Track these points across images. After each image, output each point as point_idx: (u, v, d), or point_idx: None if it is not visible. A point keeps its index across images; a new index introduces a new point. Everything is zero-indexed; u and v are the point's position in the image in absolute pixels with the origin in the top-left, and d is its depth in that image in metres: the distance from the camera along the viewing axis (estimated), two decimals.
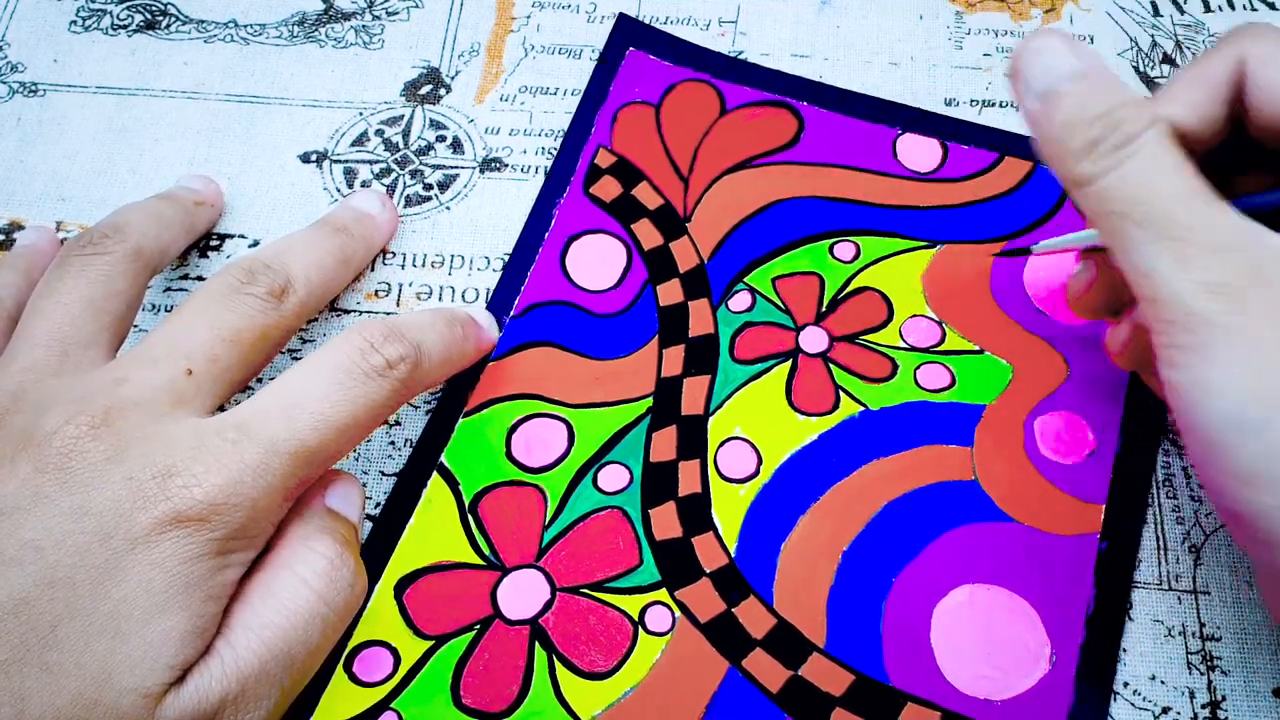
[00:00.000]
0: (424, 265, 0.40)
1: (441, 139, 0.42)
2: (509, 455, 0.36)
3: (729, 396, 0.37)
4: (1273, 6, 0.44)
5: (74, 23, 0.45)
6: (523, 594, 0.34)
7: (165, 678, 0.27)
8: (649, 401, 0.37)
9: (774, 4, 0.45)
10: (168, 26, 0.45)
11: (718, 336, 0.38)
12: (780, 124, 0.42)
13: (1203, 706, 0.32)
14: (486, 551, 0.34)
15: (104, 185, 0.42)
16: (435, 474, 0.36)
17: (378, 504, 0.35)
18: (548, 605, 0.34)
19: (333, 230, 0.36)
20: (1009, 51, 0.43)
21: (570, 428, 0.36)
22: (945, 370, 0.37)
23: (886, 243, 0.40)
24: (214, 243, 0.40)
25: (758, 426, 0.36)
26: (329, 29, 0.45)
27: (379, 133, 0.42)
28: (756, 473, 0.36)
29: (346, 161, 0.42)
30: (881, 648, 0.33)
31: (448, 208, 0.41)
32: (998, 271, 0.39)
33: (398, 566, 0.34)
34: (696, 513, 0.35)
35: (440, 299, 0.39)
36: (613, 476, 0.36)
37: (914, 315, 0.38)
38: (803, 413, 0.37)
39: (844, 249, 0.39)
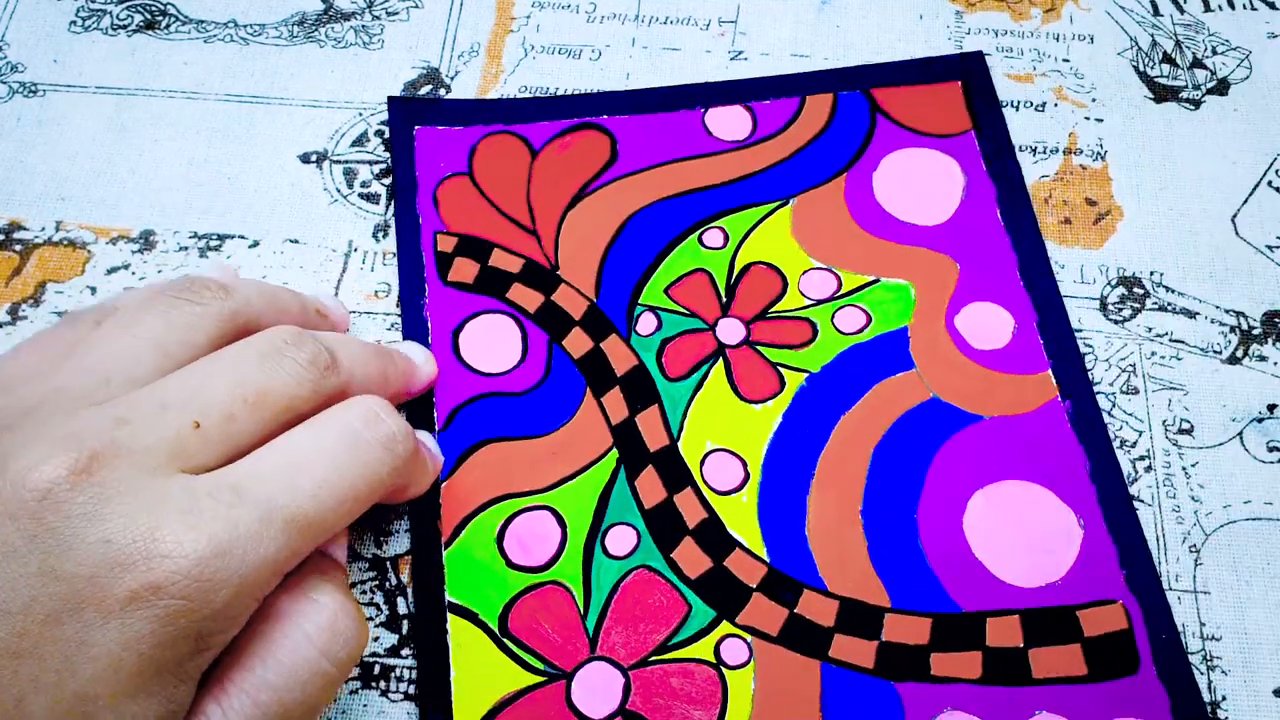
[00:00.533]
0: None
1: None
2: (510, 564, 0.34)
3: (684, 416, 0.36)
4: (1273, 5, 0.45)
5: (74, 23, 0.45)
6: (597, 689, 0.32)
7: None
8: (615, 454, 0.36)
9: (774, 4, 0.45)
10: (167, 26, 0.45)
11: (644, 365, 0.37)
12: (593, 145, 0.41)
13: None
14: (540, 665, 0.33)
15: (104, 185, 0.41)
16: (450, 615, 0.33)
17: (410, 680, 0.33)
18: (627, 689, 0.32)
19: (379, 350, 0.34)
20: (1009, 51, 0.44)
21: (555, 512, 0.35)
22: (858, 310, 0.38)
23: (746, 215, 0.40)
24: (214, 243, 0.40)
25: (725, 432, 0.36)
26: (329, 29, 0.45)
27: (379, 133, 0.42)
28: (747, 476, 0.35)
29: (346, 162, 0.42)
30: (940, 582, 0.34)
31: None
32: (852, 202, 0.40)
33: None
34: (715, 537, 0.35)
35: None
36: (619, 539, 0.35)
37: (805, 271, 0.39)
38: (756, 402, 0.37)
39: (712, 236, 0.40)
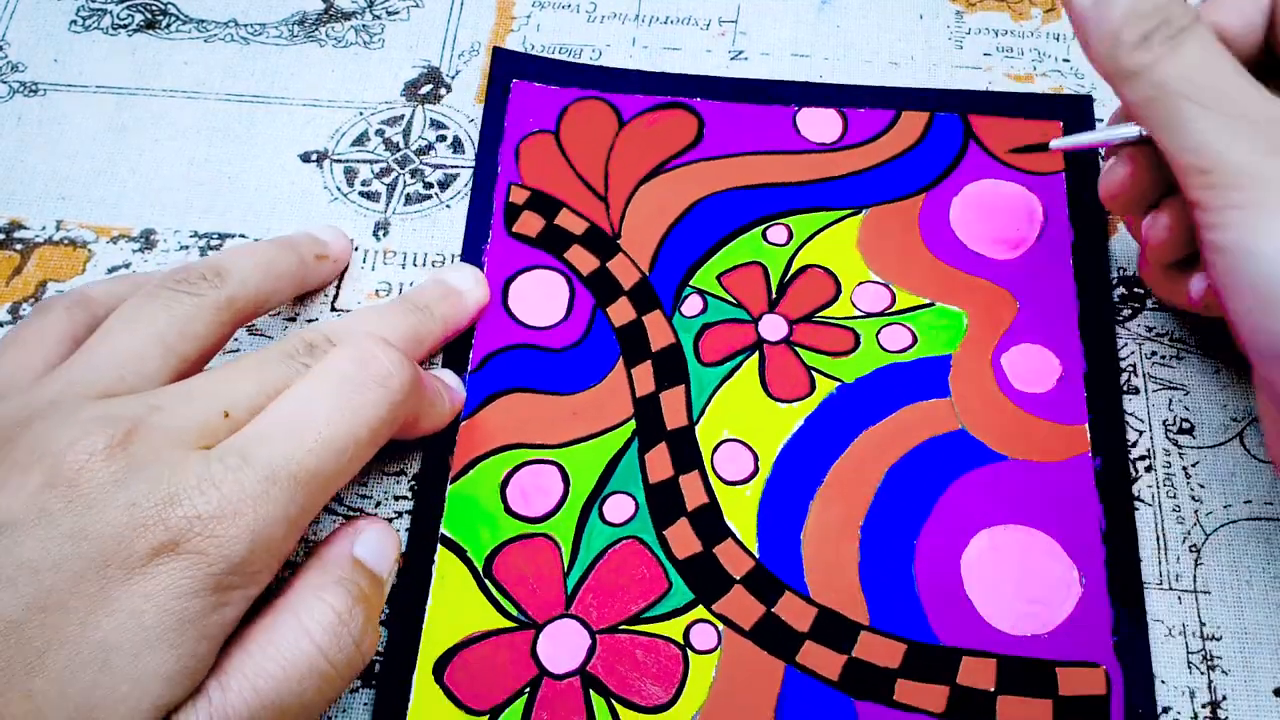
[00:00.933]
0: (424, 264, 0.40)
1: (442, 138, 0.42)
2: (509, 510, 0.35)
3: (708, 401, 0.37)
4: None
5: (74, 22, 0.45)
6: (563, 646, 0.33)
7: (149, 718, 0.26)
8: (632, 424, 0.36)
9: (774, 4, 0.45)
10: (168, 26, 0.45)
11: (680, 345, 0.38)
12: (680, 125, 0.42)
13: (1203, 706, 0.32)
14: (514, 612, 0.33)
15: (104, 185, 0.41)
16: (440, 548, 0.34)
17: (388, 597, 0.34)
18: (591, 651, 0.33)
19: (411, 309, 0.35)
20: (1009, 51, 0.44)
21: (562, 469, 0.36)
22: (905, 329, 0.38)
23: (815, 218, 0.40)
24: (214, 243, 0.40)
25: (744, 424, 0.36)
26: (329, 29, 0.45)
27: (379, 132, 0.42)
28: (756, 470, 0.36)
29: (347, 161, 0.42)
30: (924, 611, 0.33)
31: (448, 206, 0.41)
32: (925, 223, 0.40)
33: (430, 650, 0.33)
34: (710, 523, 0.35)
35: None
36: (618, 507, 0.35)
37: (861, 283, 0.39)
38: (783, 401, 0.37)
39: (776, 233, 0.40)
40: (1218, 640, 0.33)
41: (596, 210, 0.40)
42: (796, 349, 0.38)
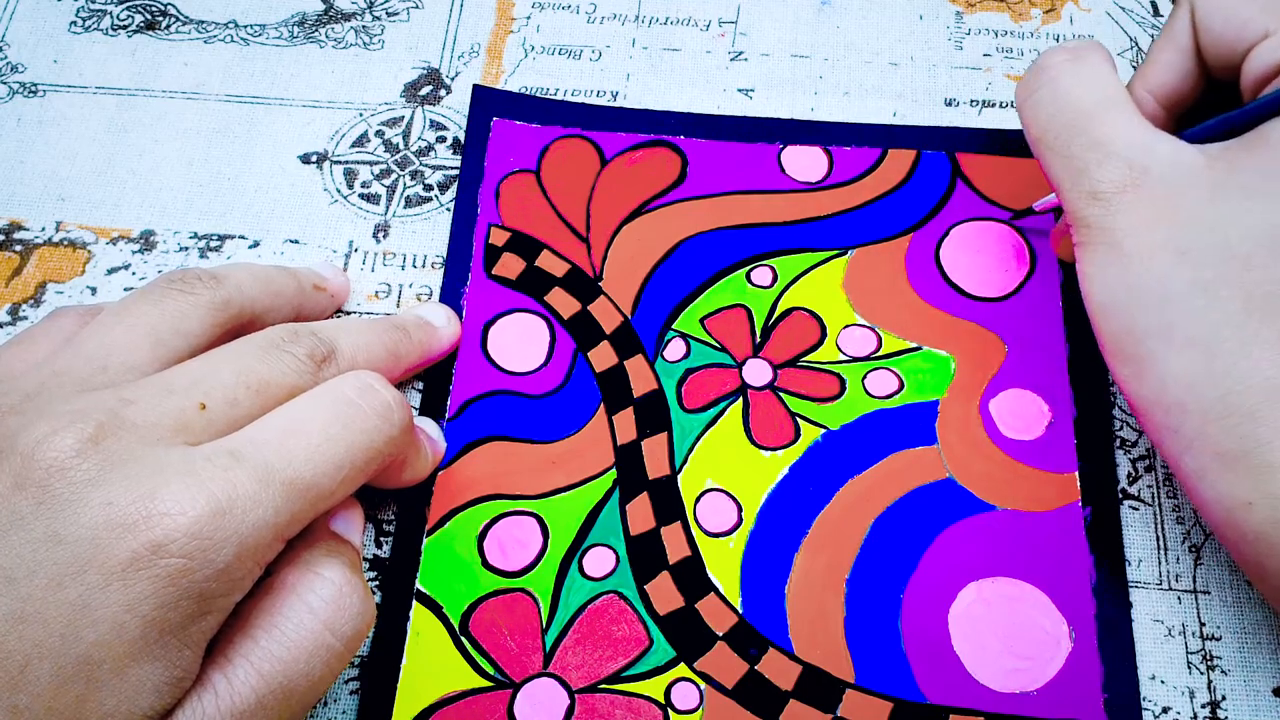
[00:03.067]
0: (424, 266, 0.40)
1: (442, 140, 0.42)
2: (486, 564, 0.34)
3: (691, 449, 0.36)
4: None
5: (74, 23, 0.45)
6: (541, 706, 0.32)
7: None
8: (613, 474, 0.36)
9: (774, 4, 0.45)
10: (168, 27, 0.45)
11: (663, 390, 0.37)
12: (663, 163, 0.41)
13: (1203, 706, 0.32)
14: (491, 671, 0.33)
15: (104, 185, 0.41)
16: (415, 603, 0.34)
17: (361, 654, 0.33)
18: (570, 711, 0.32)
19: (391, 326, 0.35)
20: (1009, 51, 0.44)
21: (541, 520, 0.35)
22: (891, 374, 0.37)
23: (800, 259, 0.39)
24: (214, 244, 0.40)
25: (728, 473, 0.36)
26: (329, 29, 0.45)
27: (379, 133, 0.42)
28: (739, 521, 0.35)
29: (346, 162, 0.42)
30: (910, 668, 0.33)
31: (448, 209, 0.41)
32: (912, 265, 0.39)
33: (404, 710, 0.32)
34: (693, 577, 0.34)
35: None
36: (598, 560, 0.34)
37: (847, 326, 0.38)
38: (767, 448, 0.36)
39: (761, 274, 0.39)
40: (1217, 640, 0.33)
41: (578, 251, 0.39)
42: (781, 394, 0.37)
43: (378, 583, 0.34)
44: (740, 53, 0.44)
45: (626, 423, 0.36)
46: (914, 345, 0.38)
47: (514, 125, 0.42)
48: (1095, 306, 0.31)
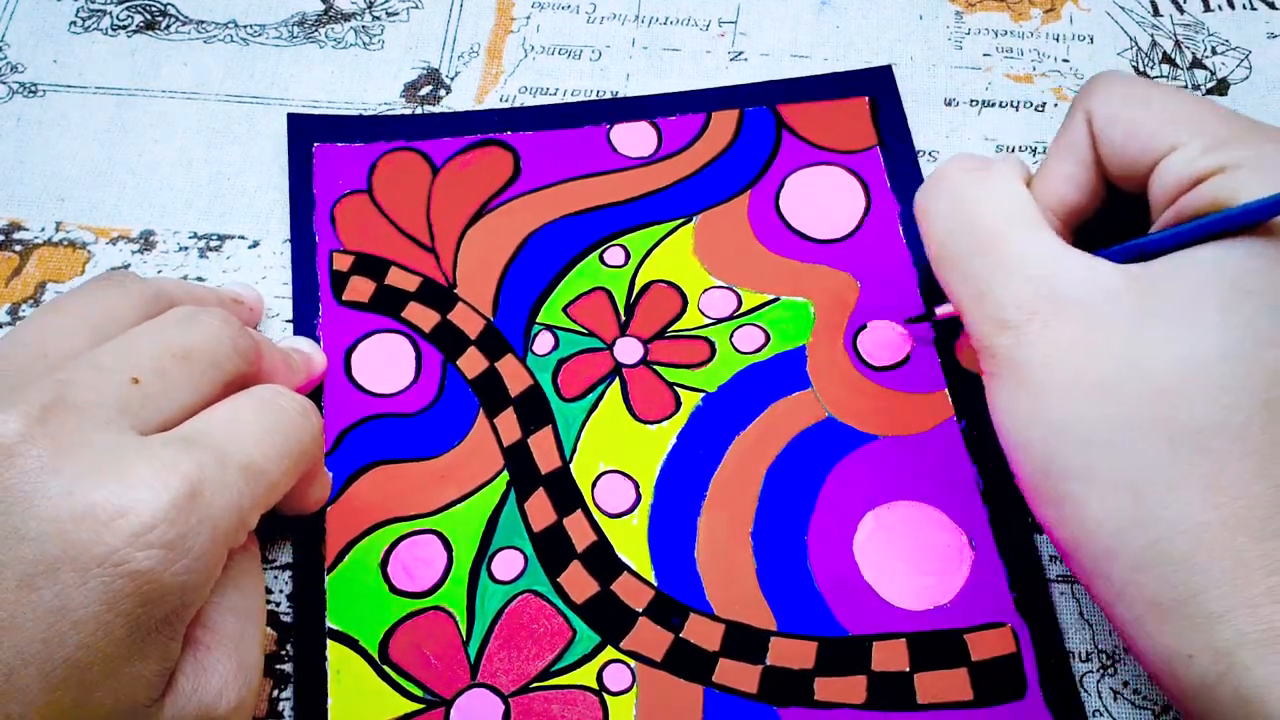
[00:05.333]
0: None
1: None
2: (394, 589, 0.34)
3: (578, 437, 0.36)
4: (1273, 5, 0.45)
5: (74, 23, 0.45)
6: (476, 717, 0.32)
7: (144, 715, 0.25)
8: (505, 476, 0.35)
9: (774, 4, 0.45)
10: (167, 27, 0.45)
11: (539, 385, 0.37)
12: (496, 162, 0.41)
13: None
14: (420, 693, 0.32)
15: (104, 185, 0.41)
16: (330, 642, 0.33)
17: (286, 698, 0.32)
18: (506, 716, 0.32)
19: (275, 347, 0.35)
20: (1009, 51, 0.44)
21: (442, 536, 0.34)
22: (756, 329, 0.38)
23: (648, 234, 0.40)
24: (214, 244, 0.40)
25: (618, 453, 0.36)
26: (329, 29, 0.45)
27: None
28: (638, 498, 0.35)
29: None
30: (827, 605, 0.33)
31: None
32: (755, 220, 0.40)
33: None
34: (603, 561, 0.34)
35: None
36: (506, 563, 0.34)
37: (705, 290, 0.39)
38: (652, 422, 0.36)
39: (613, 254, 0.39)
40: None
41: (427, 263, 0.39)
42: (655, 368, 0.37)
43: (288, 630, 0.33)
44: (740, 53, 0.44)
45: (509, 423, 0.36)
46: (772, 297, 0.38)
47: (336, 148, 0.41)
48: (1010, 444, 0.29)
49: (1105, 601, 0.28)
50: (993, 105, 0.43)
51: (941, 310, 0.36)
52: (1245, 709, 0.25)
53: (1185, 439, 0.26)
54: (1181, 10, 0.45)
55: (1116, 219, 0.32)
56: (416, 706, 0.32)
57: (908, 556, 0.34)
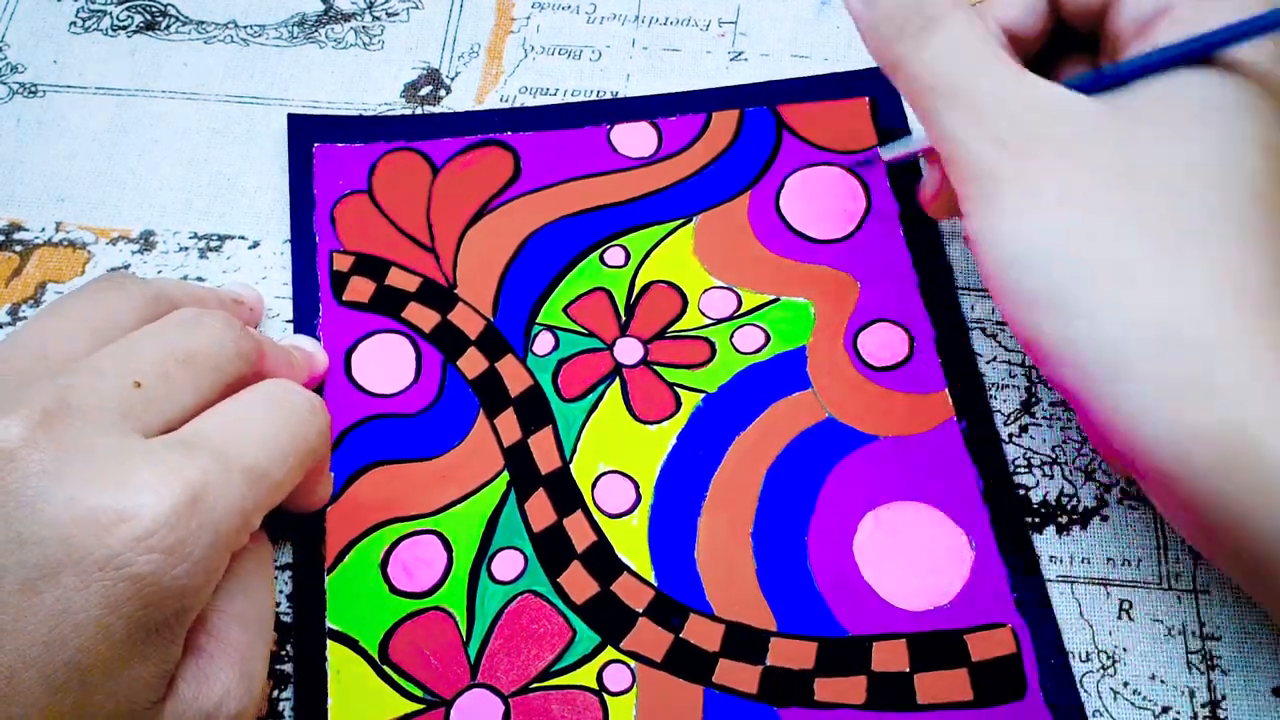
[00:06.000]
0: None
1: None
2: (394, 590, 0.34)
3: (578, 437, 0.36)
4: None
5: (74, 23, 0.45)
6: (476, 717, 0.32)
7: (144, 718, 0.25)
8: (505, 476, 0.35)
9: (774, 4, 0.45)
10: (167, 27, 0.45)
11: (539, 385, 0.37)
12: (496, 162, 0.41)
13: (1203, 706, 0.32)
14: (420, 694, 0.32)
15: (103, 185, 0.41)
16: (330, 642, 0.33)
17: (286, 698, 0.32)
18: (506, 717, 0.32)
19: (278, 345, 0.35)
20: None
21: (442, 536, 0.34)
22: (757, 329, 0.38)
23: (648, 234, 0.40)
24: (214, 244, 0.40)
25: (619, 454, 0.36)
26: (329, 30, 0.45)
27: None
28: (638, 498, 0.35)
29: None
30: (827, 606, 0.33)
31: None
32: (755, 220, 0.40)
33: None
34: (603, 561, 0.34)
35: None
36: (506, 564, 0.34)
37: (705, 290, 0.39)
38: (652, 423, 0.36)
39: (614, 255, 0.39)
40: (1218, 640, 0.33)
41: (427, 263, 0.39)
42: (655, 368, 0.37)
43: (288, 630, 0.33)
44: (740, 53, 0.44)
45: (509, 423, 0.36)
46: (772, 297, 0.38)
47: (337, 148, 0.41)
48: (1007, 260, 0.30)
49: (1108, 398, 0.29)
50: None
51: (890, 153, 0.38)
52: (1260, 479, 0.26)
53: (1182, 234, 0.28)
54: None
55: (1057, 57, 0.34)
56: (416, 707, 0.32)
57: (908, 557, 0.34)
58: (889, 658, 0.33)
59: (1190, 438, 0.27)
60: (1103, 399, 0.29)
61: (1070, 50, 0.35)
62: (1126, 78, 0.30)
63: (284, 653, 0.33)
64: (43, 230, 0.40)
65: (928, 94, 0.31)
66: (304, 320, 0.38)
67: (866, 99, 0.42)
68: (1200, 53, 0.30)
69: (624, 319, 0.38)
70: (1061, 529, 0.35)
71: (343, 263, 0.39)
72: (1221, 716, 0.32)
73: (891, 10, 0.31)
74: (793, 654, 0.33)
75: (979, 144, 0.30)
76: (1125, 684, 0.33)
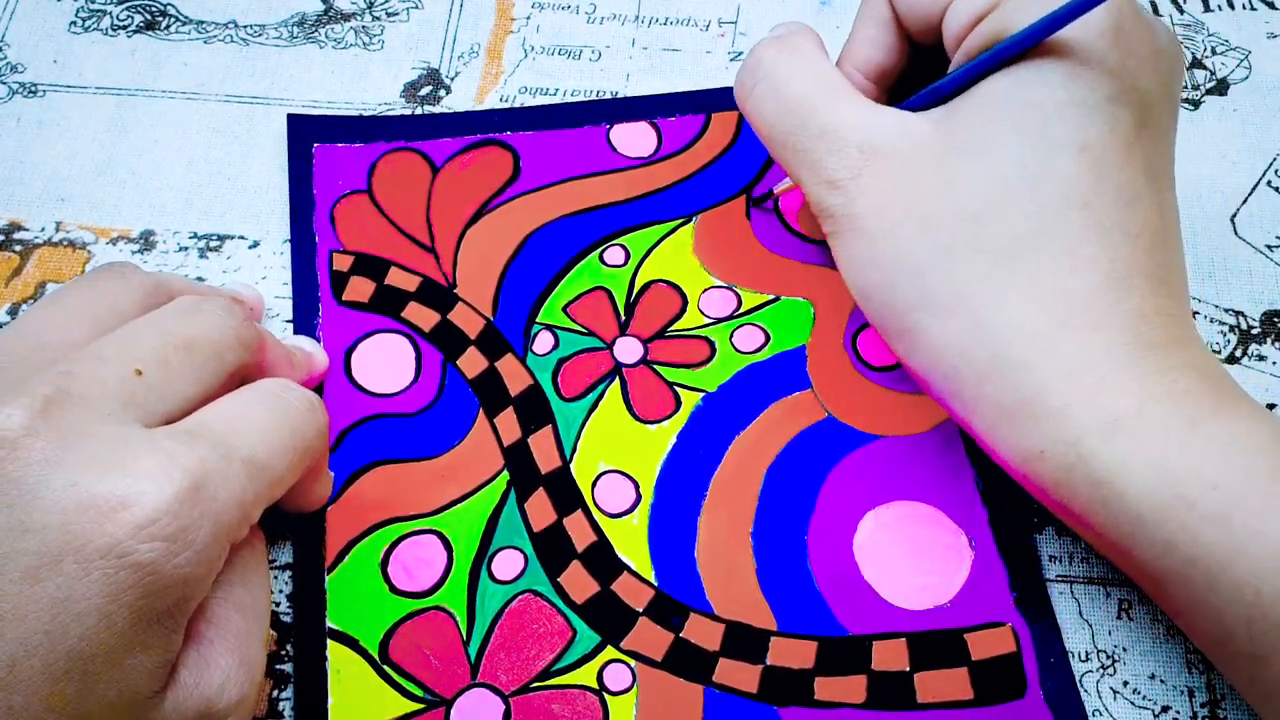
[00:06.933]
0: None
1: None
2: (394, 589, 0.34)
3: (578, 436, 0.36)
4: (1272, 5, 0.45)
5: (74, 23, 0.45)
6: (477, 717, 0.32)
7: (146, 706, 0.25)
8: (505, 475, 0.35)
9: (774, 4, 0.45)
10: (167, 27, 0.45)
11: (539, 384, 0.37)
12: (495, 162, 0.41)
13: (1202, 705, 0.32)
14: (420, 693, 0.32)
15: (104, 185, 0.41)
16: (330, 642, 0.33)
17: (286, 698, 0.32)
18: (506, 716, 0.32)
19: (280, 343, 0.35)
20: None
21: (442, 536, 0.34)
22: (756, 329, 0.38)
23: (648, 234, 0.40)
24: (214, 244, 0.40)
25: (619, 453, 0.36)
26: (329, 30, 0.45)
27: None
28: (638, 498, 0.35)
29: None
30: (827, 605, 0.33)
31: None
32: (755, 220, 0.40)
33: None
34: (603, 561, 0.34)
35: None
36: (506, 563, 0.34)
37: (705, 290, 0.39)
38: (652, 422, 0.36)
39: (613, 254, 0.39)
40: None
41: (426, 263, 0.39)
42: (655, 367, 0.37)
43: (288, 630, 0.33)
44: (740, 53, 0.44)
45: (509, 423, 0.36)
46: (772, 297, 0.38)
47: (336, 148, 0.41)
48: (856, 292, 0.32)
49: (962, 417, 0.31)
50: None
51: (781, 188, 0.39)
52: (1099, 491, 0.28)
53: (1002, 253, 0.29)
54: (1181, 10, 0.45)
55: (923, 73, 0.34)
56: (417, 706, 0.32)
57: (908, 556, 0.34)
58: (889, 657, 0.33)
59: (1035, 458, 0.29)
60: (956, 417, 0.31)
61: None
62: (955, 86, 0.31)
63: (284, 652, 0.33)
64: (43, 230, 0.40)
65: (768, 142, 0.33)
66: (304, 320, 0.38)
67: None
68: (1022, 46, 0.29)
69: (624, 318, 0.38)
70: (1061, 528, 0.35)
71: (342, 263, 0.39)
72: (1221, 716, 0.32)
73: (741, 71, 0.34)
74: (793, 653, 0.33)
75: (814, 186, 0.32)
76: (1125, 683, 0.33)
